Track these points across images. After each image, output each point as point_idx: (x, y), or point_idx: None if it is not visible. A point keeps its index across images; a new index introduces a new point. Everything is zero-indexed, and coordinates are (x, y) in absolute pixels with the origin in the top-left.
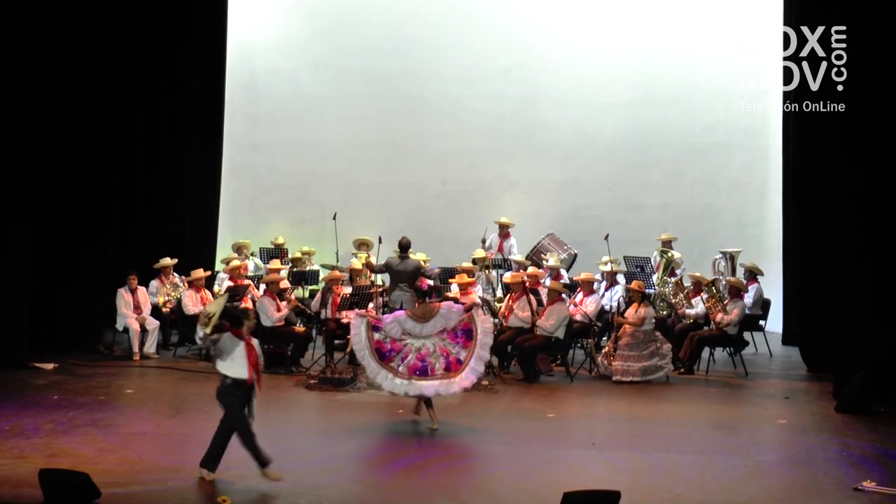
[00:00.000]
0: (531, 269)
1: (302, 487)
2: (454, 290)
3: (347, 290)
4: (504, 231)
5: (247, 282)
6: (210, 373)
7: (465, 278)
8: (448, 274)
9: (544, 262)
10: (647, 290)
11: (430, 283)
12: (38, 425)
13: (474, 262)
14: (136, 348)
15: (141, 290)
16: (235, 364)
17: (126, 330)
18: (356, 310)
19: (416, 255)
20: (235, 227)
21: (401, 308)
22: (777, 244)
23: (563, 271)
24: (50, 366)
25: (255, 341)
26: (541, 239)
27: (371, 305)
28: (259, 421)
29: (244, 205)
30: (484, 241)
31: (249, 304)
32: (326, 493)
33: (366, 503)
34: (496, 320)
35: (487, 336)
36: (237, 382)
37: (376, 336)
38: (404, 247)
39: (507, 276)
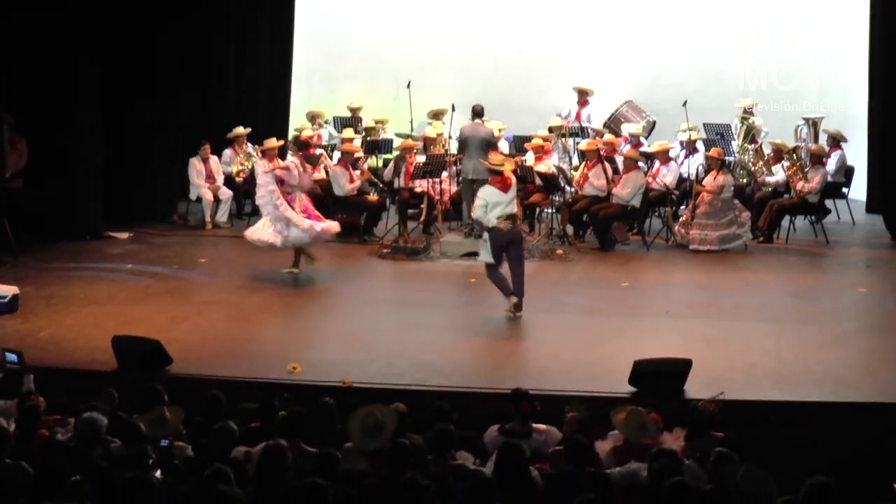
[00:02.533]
0: (607, 137)
1: (372, 355)
2: (529, 157)
3: (421, 159)
4: (582, 98)
5: (319, 151)
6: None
7: (539, 143)
8: (522, 141)
9: (622, 130)
10: (726, 158)
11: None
12: (112, 293)
13: (550, 130)
14: (208, 217)
15: (214, 159)
16: None
17: (199, 199)
18: (421, 179)
19: (491, 124)
20: (309, 97)
21: (473, 177)
22: (861, 112)
23: (642, 139)
24: (125, 235)
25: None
26: (619, 106)
27: (445, 174)
28: (332, 289)
29: (317, 74)
30: (560, 113)
31: (322, 174)
32: (397, 361)
33: (437, 371)
34: (571, 189)
35: None
36: None
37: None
38: (477, 113)
39: (583, 144)
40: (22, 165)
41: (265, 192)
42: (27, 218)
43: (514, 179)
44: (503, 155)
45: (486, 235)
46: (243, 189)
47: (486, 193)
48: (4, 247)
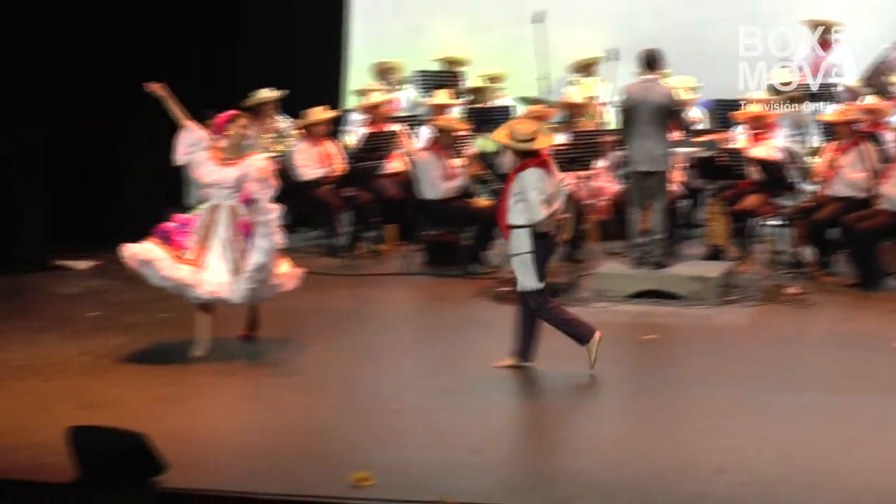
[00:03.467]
0: (869, 101)
1: (487, 458)
2: (740, 135)
3: (561, 138)
4: (824, 38)
5: (395, 126)
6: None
7: (756, 113)
8: (727, 109)
9: (892, 90)
10: None
11: None
12: (65, 358)
13: (774, 91)
14: None
15: None
16: None
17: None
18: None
19: (675, 81)
20: (374, 40)
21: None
22: None
23: None
24: (84, 264)
25: None
26: (884, 51)
27: (601, 164)
28: (415, 350)
29: (389, 4)
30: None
31: (398, 165)
32: (525, 468)
33: (593, 486)
34: (811, 186)
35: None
36: None
37: None
38: (650, 62)
39: (830, 113)
40: None
41: None
42: None
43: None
44: (536, 120)
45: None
46: None
47: (536, 181)
48: None
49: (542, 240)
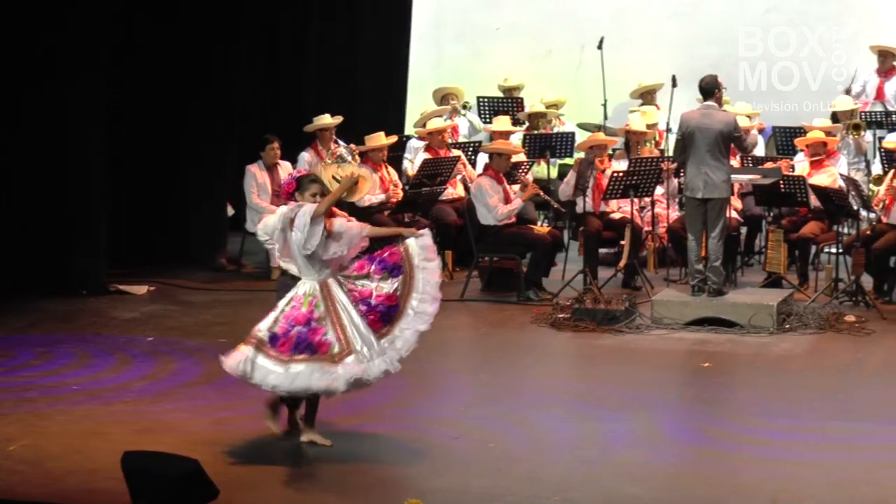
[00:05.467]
0: None
1: (547, 486)
2: (800, 162)
3: (621, 166)
4: (888, 65)
5: (455, 152)
6: None
7: (819, 142)
8: (791, 135)
9: None
10: None
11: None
12: (122, 383)
13: (835, 117)
14: (275, 261)
15: (284, 166)
16: None
17: None
18: (633, 199)
19: (735, 108)
20: (438, 64)
21: (703, 195)
22: None
23: None
24: (143, 289)
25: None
26: None
27: (660, 190)
28: (472, 376)
29: (451, 29)
30: (850, 90)
31: (459, 189)
32: (584, 496)
33: None
34: (872, 214)
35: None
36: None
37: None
38: (707, 90)
39: (892, 140)
40: None
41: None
42: None
43: None
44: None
45: None
46: None
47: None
48: None
49: None
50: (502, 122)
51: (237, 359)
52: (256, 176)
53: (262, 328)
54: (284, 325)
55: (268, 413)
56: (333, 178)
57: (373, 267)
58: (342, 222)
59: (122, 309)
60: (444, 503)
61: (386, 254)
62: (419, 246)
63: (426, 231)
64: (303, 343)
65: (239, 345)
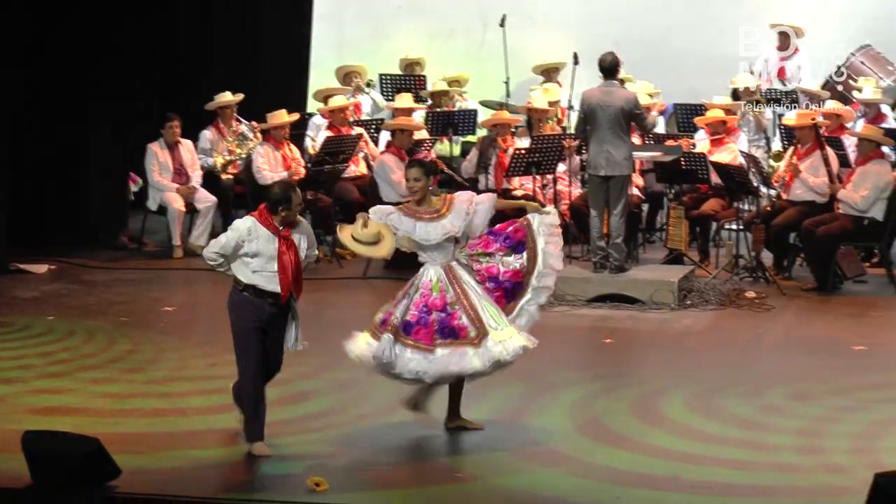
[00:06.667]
0: (831, 106)
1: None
2: (701, 139)
3: (523, 143)
4: (786, 43)
5: (357, 130)
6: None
7: (718, 118)
8: (691, 113)
9: (854, 94)
10: None
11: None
12: (23, 363)
13: (735, 95)
14: (177, 239)
15: (186, 144)
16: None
17: (163, 210)
18: (535, 176)
19: (636, 87)
20: (340, 43)
21: (606, 173)
22: None
23: (885, 109)
24: (43, 268)
25: (296, 236)
26: (849, 56)
27: (562, 168)
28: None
29: (353, 7)
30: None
31: (361, 167)
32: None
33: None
34: (772, 191)
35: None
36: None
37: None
38: (609, 69)
39: (791, 117)
40: None
41: None
42: None
43: None
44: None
45: None
46: (234, 192)
47: None
48: None
49: None
50: (405, 100)
51: (379, 348)
52: (157, 154)
53: (397, 315)
54: (416, 313)
55: (413, 411)
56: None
57: (497, 244)
58: (472, 198)
59: (22, 288)
60: (348, 481)
61: (510, 229)
62: (546, 223)
63: (552, 209)
64: (446, 328)
65: (362, 333)
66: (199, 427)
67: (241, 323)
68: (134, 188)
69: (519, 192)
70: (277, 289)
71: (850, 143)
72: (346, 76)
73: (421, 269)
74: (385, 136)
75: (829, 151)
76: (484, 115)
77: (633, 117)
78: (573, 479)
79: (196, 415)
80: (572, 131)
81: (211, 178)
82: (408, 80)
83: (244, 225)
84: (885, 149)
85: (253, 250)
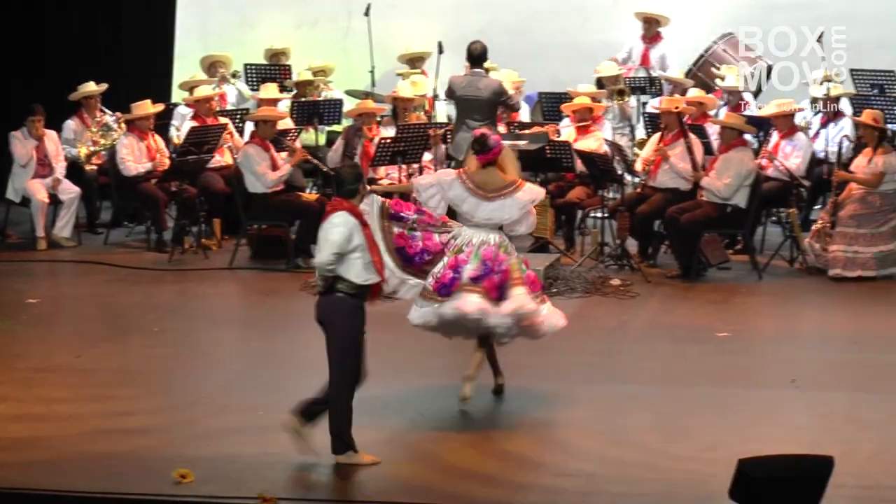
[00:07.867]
0: (694, 93)
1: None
2: (566, 127)
3: (388, 132)
4: (651, 31)
5: (223, 120)
6: (170, 270)
7: (583, 105)
8: (557, 101)
9: (717, 82)
10: (888, 127)
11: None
12: None
13: (600, 83)
14: (41, 231)
15: (50, 135)
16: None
17: (26, 201)
18: (401, 165)
19: (501, 75)
20: (205, 32)
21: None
22: None
23: (748, 96)
24: None
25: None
26: (711, 44)
27: (428, 156)
28: (244, 341)
29: None
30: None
31: (227, 157)
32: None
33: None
34: (636, 178)
35: None
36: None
37: (395, 228)
38: (476, 58)
39: (655, 104)
40: None
41: None
42: None
43: None
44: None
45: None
46: (98, 183)
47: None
48: None
49: None
50: (269, 90)
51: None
52: (19, 143)
53: (465, 276)
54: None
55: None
56: None
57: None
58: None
59: None
60: (213, 472)
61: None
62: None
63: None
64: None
65: (465, 294)
66: (65, 419)
67: (353, 332)
68: None
69: (385, 182)
70: (378, 278)
71: (713, 130)
72: (211, 66)
73: (467, 235)
74: (250, 127)
75: (693, 139)
76: (349, 104)
77: (500, 104)
78: (426, 463)
79: (61, 409)
80: (438, 121)
81: (74, 169)
82: (273, 69)
83: (341, 219)
84: (747, 136)
85: (356, 242)
